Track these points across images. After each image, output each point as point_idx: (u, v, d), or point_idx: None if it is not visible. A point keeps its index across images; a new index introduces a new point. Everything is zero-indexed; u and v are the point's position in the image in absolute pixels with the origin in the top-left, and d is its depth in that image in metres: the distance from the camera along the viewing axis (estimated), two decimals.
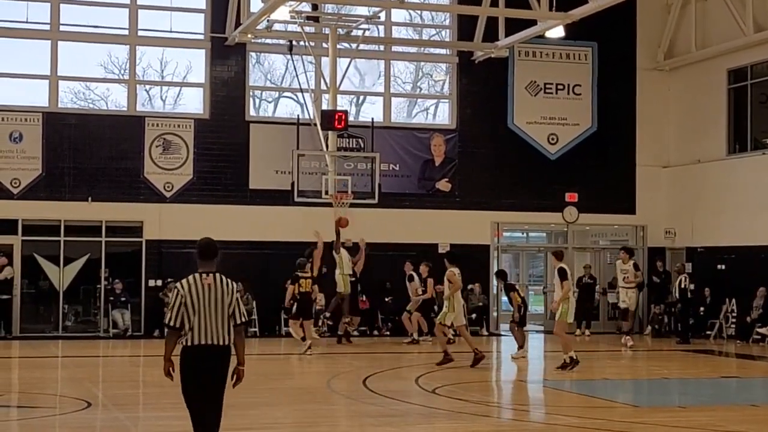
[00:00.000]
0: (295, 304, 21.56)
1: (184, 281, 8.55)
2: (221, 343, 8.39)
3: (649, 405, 14.77)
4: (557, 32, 24.87)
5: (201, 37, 26.79)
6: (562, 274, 18.58)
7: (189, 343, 8.41)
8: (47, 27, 25.81)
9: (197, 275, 8.54)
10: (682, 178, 28.70)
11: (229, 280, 8.60)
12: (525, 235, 32.97)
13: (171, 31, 26.75)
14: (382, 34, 28.02)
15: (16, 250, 24.94)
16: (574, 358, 18.02)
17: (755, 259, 25.26)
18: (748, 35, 25.94)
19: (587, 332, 27.48)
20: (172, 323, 8.46)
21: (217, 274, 8.56)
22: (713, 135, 27.87)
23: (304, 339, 21.35)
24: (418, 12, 29.05)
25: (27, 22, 25.77)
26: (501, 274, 22.45)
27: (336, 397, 15.00)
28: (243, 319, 8.54)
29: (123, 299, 25.48)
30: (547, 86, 28.81)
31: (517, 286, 22.48)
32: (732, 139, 27.61)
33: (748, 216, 26.00)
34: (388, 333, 26.57)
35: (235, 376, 8.57)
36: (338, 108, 25.35)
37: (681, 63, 28.73)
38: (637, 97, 29.33)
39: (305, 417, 12.81)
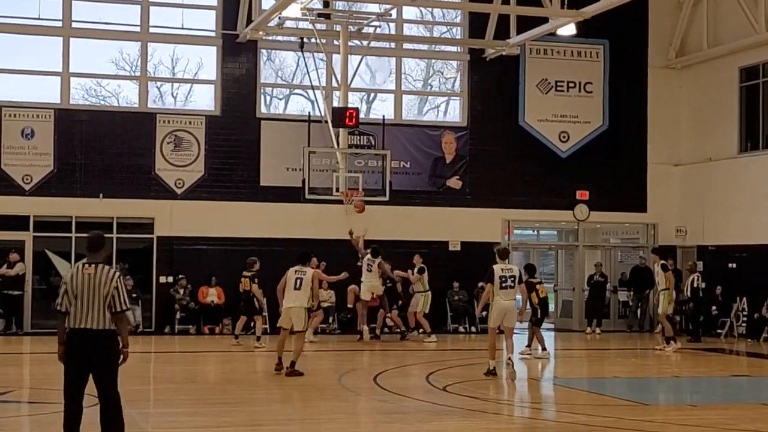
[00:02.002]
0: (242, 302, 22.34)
1: (70, 270, 9.41)
2: (95, 327, 9.04)
3: (660, 403, 14.74)
4: (569, 30, 24.88)
5: (212, 34, 26.82)
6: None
7: (68, 327, 9.13)
8: (59, 24, 25.84)
9: (80, 265, 9.30)
10: (694, 176, 28.65)
11: (110, 271, 9.25)
12: (536, 232, 32.94)
13: (182, 28, 26.76)
14: (393, 32, 27.99)
15: (28, 246, 24.99)
16: (492, 369, 16.99)
17: (767, 257, 25.19)
18: (760, 33, 25.88)
19: (598, 330, 27.44)
20: (59, 307, 9.21)
21: (100, 265, 9.22)
22: (725, 133, 27.82)
23: (236, 337, 22.27)
24: (429, 9, 29.00)
25: (39, 19, 25.79)
26: (529, 269, 22.09)
27: (347, 393, 15.02)
28: (121, 307, 9.15)
29: (134, 296, 25.34)
30: (559, 84, 28.78)
31: (538, 287, 21.50)
32: (744, 137, 27.55)
33: (759, 214, 25.94)
34: (398, 330, 26.51)
35: (121, 357, 9.24)
36: (349, 105, 25.33)
37: (693, 61, 28.67)
38: (649, 95, 29.28)
39: (317, 413, 12.83)
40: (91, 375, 9.23)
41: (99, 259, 9.33)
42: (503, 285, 16.45)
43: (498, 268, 16.61)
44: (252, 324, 22.35)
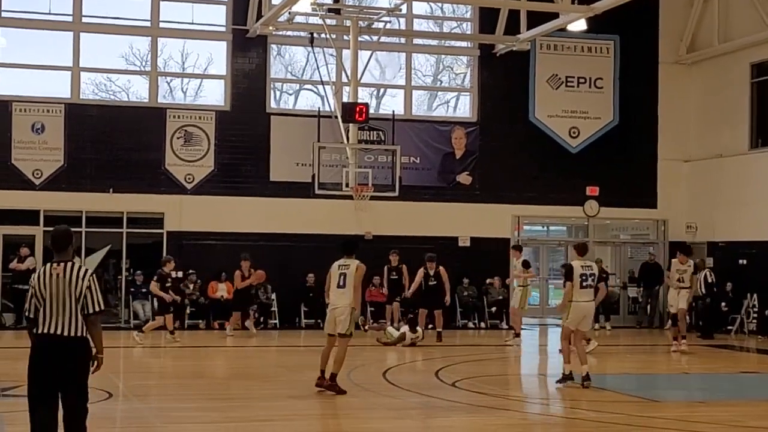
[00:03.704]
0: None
1: (37, 271, 8.45)
2: (65, 333, 8.10)
3: (669, 400, 14.74)
4: (579, 25, 24.85)
5: (222, 29, 26.85)
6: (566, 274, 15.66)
7: (35, 332, 8.20)
8: (69, 18, 25.90)
9: (48, 265, 8.32)
10: (704, 172, 28.60)
11: (82, 269, 8.30)
12: (545, 228, 32.93)
13: (192, 23, 26.83)
14: (403, 27, 27.99)
15: (38, 240, 25.02)
16: (568, 374, 15.41)
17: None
18: None
19: (608, 326, 27.44)
20: (27, 313, 8.37)
21: (69, 263, 8.28)
22: (735, 129, 27.77)
23: (172, 332, 21.85)
24: (439, 4, 29.03)
25: (49, 14, 25.89)
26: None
27: (356, 389, 15.03)
28: (95, 309, 8.21)
29: (144, 290, 25.45)
30: (569, 80, 28.75)
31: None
32: (755, 133, 27.49)
33: None
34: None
35: (95, 363, 8.27)
36: (359, 100, 25.31)
37: (703, 57, 28.62)
38: (659, 91, 29.23)
39: (326, 409, 12.87)
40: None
41: (68, 257, 8.37)
42: (584, 284, 14.88)
43: (577, 265, 15.07)
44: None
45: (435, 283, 22.98)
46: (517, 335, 22.75)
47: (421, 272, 23.08)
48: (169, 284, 21.59)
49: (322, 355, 14.16)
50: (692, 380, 17.21)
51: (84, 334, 8.15)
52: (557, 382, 15.15)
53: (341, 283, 14.11)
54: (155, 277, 21.66)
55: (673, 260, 21.88)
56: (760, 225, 25.96)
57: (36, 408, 8.09)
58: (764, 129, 27.26)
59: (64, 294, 8.12)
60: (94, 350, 8.25)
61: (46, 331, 8.10)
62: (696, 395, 15.58)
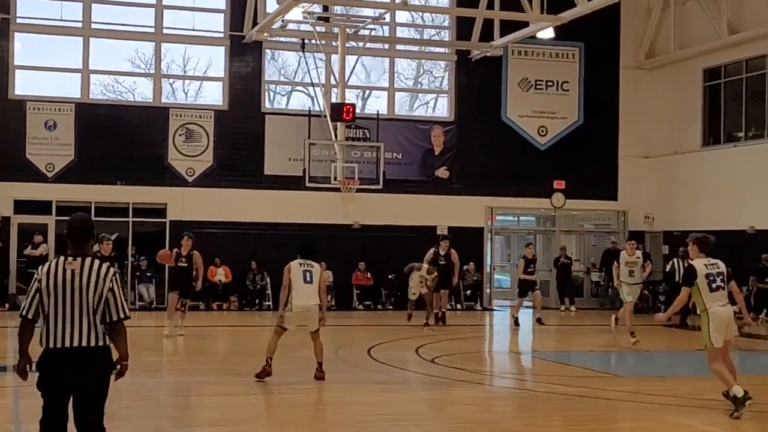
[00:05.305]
0: None
1: (46, 264, 6.40)
2: (83, 344, 6.21)
3: (631, 375, 14.75)
4: (547, 33, 24.82)
5: (221, 35, 26.73)
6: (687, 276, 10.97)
7: (43, 345, 6.27)
8: (80, 25, 25.77)
9: (62, 258, 6.33)
10: (661, 167, 28.65)
11: (104, 266, 6.33)
12: (516, 219, 32.91)
13: (193, 30, 26.71)
14: (386, 34, 27.92)
15: (51, 229, 24.94)
16: (738, 395, 10.36)
17: (727, 242, 25.16)
18: (723, 37, 25.87)
19: (573, 308, 27.47)
20: (24, 313, 6.32)
21: (88, 259, 6.31)
22: (690, 129, 27.83)
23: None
24: (420, 13, 28.97)
25: (61, 20, 25.74)
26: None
27: (344, 365, 14.99)
28: (119, 316, 6.33)
29: (148, 274, 25.54)
30: (538, 83, 28.75)
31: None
32: (707, 132, 27.57)
33: (721, 203, 25.97)
34: (391, 307, 26.56)
35: (118, 368, 6.49)
36: (346, 101, 25.23)
37: (661, 62, 28.65)
38: (621, 94, 29.26)
39: (318, 383, 12.80)
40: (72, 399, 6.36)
41: (87, 252, 6.39)
42: (713, 287, 10.60)
43: (701, 265, 10.78)
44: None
45: (444, 263, 21.32)
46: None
47: (432, 251, 21.57)
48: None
49: (269, 347, 12.86)
50: (652, 357, 17.20)
51: (106, 343, 6.33)
52: (733, 416, 10.29)
53: (308, 279, 12.81)
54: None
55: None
56: (713, 215, 25.98)
57: (48, 414, 6.35)
58: (716, 129, 27.32)
59: (81, 295, 6.21)
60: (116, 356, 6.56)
61: (60, 345, 6.21)
62: (655, 371, 15.58)
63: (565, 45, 28.25)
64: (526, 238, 33.72)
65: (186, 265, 18.20)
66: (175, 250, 18.62)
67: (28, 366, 6.40)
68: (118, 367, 6.49)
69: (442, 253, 21.52)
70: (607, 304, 28.67)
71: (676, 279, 22.16)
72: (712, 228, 25.68)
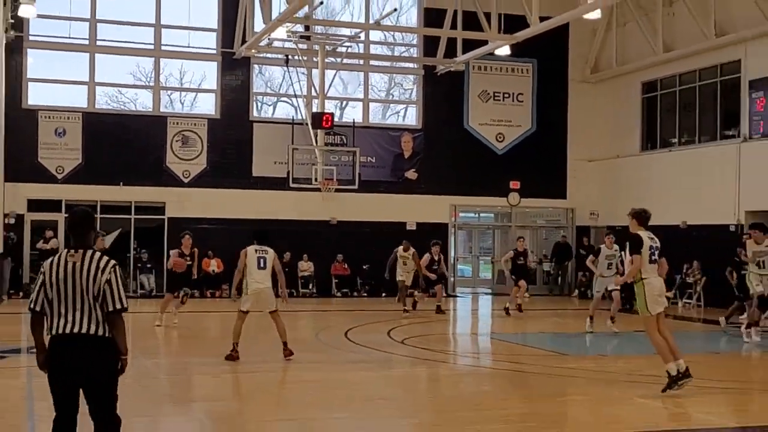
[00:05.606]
0: None
1: (50, 258, 6.06)
2: (82, 331, 5.82)
3: (578, 354, 14.80)
4: (504, 50, 24.86)
5: (213, 51, 26.59)
6: (634, 244, 10.58)
7: (48, 332, 5.94)
8: (86, 42, 25.58)
9: (64, 251, 5.98)
10: (605, 170, 28.77)
11: (103, 259, 5.95)
12: (477, 215, 32.98)
13: (188, 46, 26.55)
14: (361, 51, 27.86)
15: (60, 225, 24.67)
16: (680, 371, 10.13)
17: (662, 236, 25.29)
18: (658, 54, 26.00)
19: (527, 294, 27.42)
20: (32, 306, 5.95)
21: (89, 251, 5.94)
22: (629, 135, 27.97)
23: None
24: (391, 33, 28.93)
25: (69, 38, 25.55)
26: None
27: (324, 347, 14.97)
28: (115, 306, 5.91)
29: (149, 265, 25.44)
30: (496, 94, 28.79)
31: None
32: (645, 139, 27.70)
33: (657, 201, 25.98)
34: (365, 294, 26.56)
35: (119, 365, 6.00)
36: (326, 111, 25.19)
37: (604, 77, 28.76)
38: (569, 104, 29.35)
39: (298, 363, 12.77)
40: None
41: (88, 244, 6.01)
42: (652, 259, 10.50)
43: (645, 237, 10.59)
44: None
45: (437, 267, 21.08)
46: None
47: (426, 257, 20.84)
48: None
49: (235, 330, 12.72)
50: (595, 338, 17.26)
51: (108, 334, 5.92)
52: (665, 390, 10.10)
53: (262, 265, 12.62)
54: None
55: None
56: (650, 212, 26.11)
57: (64, 412, 5.94)
58: (652, 135, 27.46)
59: (81, 286, 5.85)
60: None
61: (61, 331, 5.85)
62: (598, 350, 15.64)
63: (519, 61, 28.28)
64: (485, 232, 33.85)
65: (190, 262, 17.90)
66: (177, 250, 17.80)
67: (45, 360, 5.96)
68: (119, 364, 6.01)
69: (436, 258, 21.03)
70: (556, 291, 28.86)
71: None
72: (650, 223, 25.97)
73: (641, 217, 10.63)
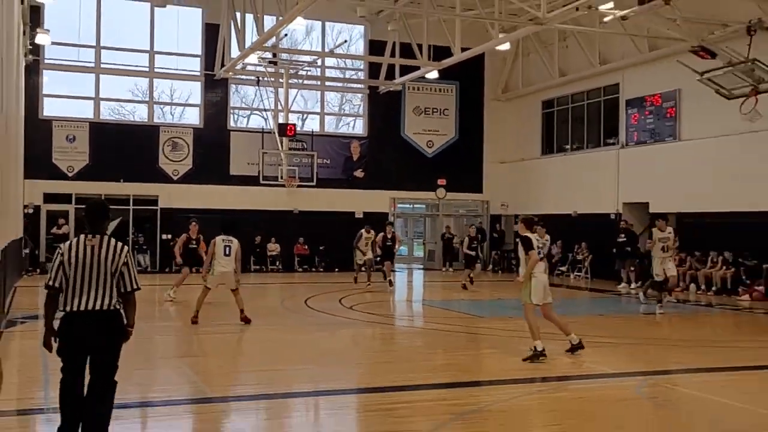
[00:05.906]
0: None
1: (68, 241, 5.59)
2: (98, 307, 5.40)
3: (489, 316, 14.95)
4: (433, 74, 24.96)
5: (197, 73, 26.26)
6: (527, 244, 9.97)
7: (63, 308, 5.44)
8: (93, 64, 25.08)
9: (82, 236, 5.55)
10: (513, 170, 29.04)
11: (119, 244, 5.56)
12: (411, 206, 33.12)
13: (177, 69, 26.18)
14: (318, 74, 27.73)
15: (71, 214, 24.38)
16: (539, 349, 9.73)
17: (556, 222, 25.72)
18: (555, 78, 26.33)
19: (452, 269, 27.73)
20: (51, 282, 5.45)
21: (105, 237, 5.53)
22: (532, 142, 28.26)
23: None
24: (343, 59, 28.83)
25: (78, 61, 25.05)
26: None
27: (287, 312, 14.92)
28: (132, 287, 5.53)
29: (144, 247, 25.15)
30: (427, 109, 28.88)
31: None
32: (544, 145, 28.01)
33: (554, 195, 26.47)
34: (322, 270, 26.50)
35: (126, 335, 5.64)
36: (289, 122, 25.10)
37: (513, 96, 29.01)
38: (485, 117, 29.54)
39: (266, 325, 12.73)
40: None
41: (103, 231, 5.60)
42: (540, 256, 10.00)
43: (533, 237, 10.02)
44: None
45: (390, 243, 20.32)
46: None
47: (381, 235, 20.15)
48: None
49: (198, 301, 12.79)
50: (506, 304, 17.43)
51: (118, 307, 5.51)
52: (527, 359, 9.66)
53: (227, 253, 12.67)
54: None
55: (653, 229, 15.80)
56: (549, 203, 26.52)
57: (75, 379, 5.47)
58: (550, 142, 27.79)
59: (99, 266, 5.42)
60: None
61: (78, 308, 5.39)
62: (507, 313, 15.78)
63: (445, 83, 28.41)
64: (418, 220, 33.99)
65: (196, 246, 17.26)
66: (186, 235, 17.19)
67: (53, 339, 5.47)
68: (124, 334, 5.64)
69: (389, 236, 20.32)
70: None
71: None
72: (549, 212, 26.29)
73: (529, 222, 10.16)
